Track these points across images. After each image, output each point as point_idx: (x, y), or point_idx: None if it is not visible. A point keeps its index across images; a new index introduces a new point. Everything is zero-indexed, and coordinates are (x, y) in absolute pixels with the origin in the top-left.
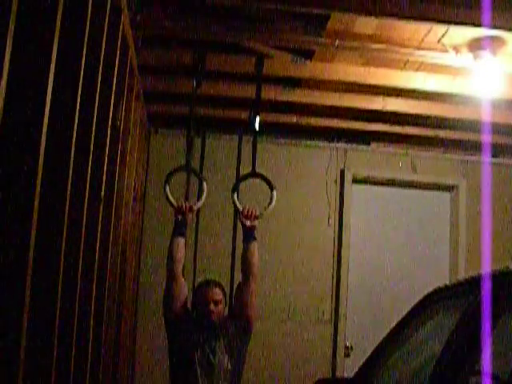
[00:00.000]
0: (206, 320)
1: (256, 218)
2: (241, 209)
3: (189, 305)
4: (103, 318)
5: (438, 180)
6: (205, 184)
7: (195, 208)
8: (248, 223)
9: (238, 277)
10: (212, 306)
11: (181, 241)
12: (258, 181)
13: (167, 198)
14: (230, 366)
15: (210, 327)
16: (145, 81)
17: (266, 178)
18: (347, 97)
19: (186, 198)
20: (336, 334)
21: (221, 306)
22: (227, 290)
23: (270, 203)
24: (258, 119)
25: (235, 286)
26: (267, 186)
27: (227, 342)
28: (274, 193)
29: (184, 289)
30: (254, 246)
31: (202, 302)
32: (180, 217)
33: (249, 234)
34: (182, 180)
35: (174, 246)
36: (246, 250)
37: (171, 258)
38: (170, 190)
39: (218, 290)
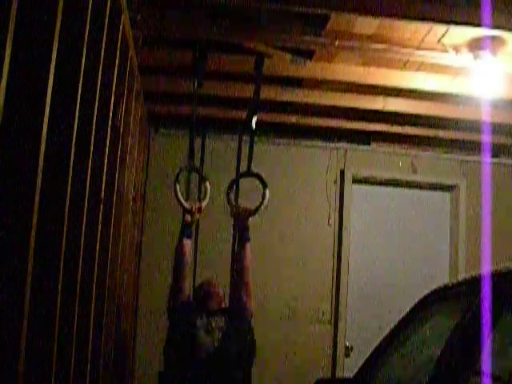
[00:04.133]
0: (207, 304)
1: (248, 214)
2: (234, 208)
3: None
4: (103, 318)
5: (437, 180)
6: (208, 183)
7: (203, 208)
8: (239, 222)
9: None
10: (213, 296)
11: (189, 243)
12: (255, 182)
13: (178, 198)
14: (231, 330)
15: (210, 310)
16: (145, 81)
17: (260, 175)
18: (347, 97)
19: (187, 198)
20: (336, 334)
21: (220, 299)
22: (226, 289)
23: (262, 201)
24: (255, 119)
25: None
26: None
27: (227, 318)
28: (267, 191)
29: (188, 290)
30: (247, 248)
31: (204, 292)
32: (189, 217)
33: (241, 235)
34: (183, 179)
35: (183, 247)
36: (237, 252)
37: (180, 259)
38: (179, 189)
39: (219, 288)
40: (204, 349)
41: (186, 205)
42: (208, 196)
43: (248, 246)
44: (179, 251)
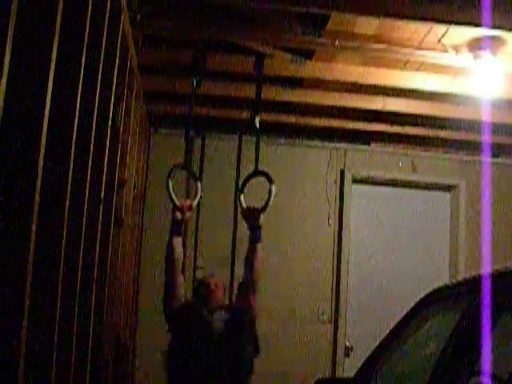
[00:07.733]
0: (207, 296)
1: (258, 212)
2: (244, 208)
3: (188, 298)
4: (103, 318)
5: (438, 180)
6: (199, 184)
7: (193, 206)
8: (251, 221)
9: (238, 277)
10: (213, 287)
11: (179, 240)
12: (260, 180)
13: (169, 194)
14: (234, 324)
15: (210, 304)
16: (145, 81)
17: (267, 173)
18: (347, 97)
19: (187, 197)
20: (336, 334)
21: (221, 292)
22: (226, 291)
23: (269, 197)
24: (258, 118)
25: (235, 286)
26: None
27: (229, 314)
28: (273, 186)
29: (182, 287)
30: (258, 249)
31: (204, 285)
32: (179, 215)
33: (253, 235)
34: (182, 179)
35: (173, 245)
36: (248, 252)
37: (171, 257)
38: (172, 186)
39: (219, 281)
40: (206, 336)
41: (177, 202)
42: (199, 195)
43: (259, 247)
44: (170, 250)
